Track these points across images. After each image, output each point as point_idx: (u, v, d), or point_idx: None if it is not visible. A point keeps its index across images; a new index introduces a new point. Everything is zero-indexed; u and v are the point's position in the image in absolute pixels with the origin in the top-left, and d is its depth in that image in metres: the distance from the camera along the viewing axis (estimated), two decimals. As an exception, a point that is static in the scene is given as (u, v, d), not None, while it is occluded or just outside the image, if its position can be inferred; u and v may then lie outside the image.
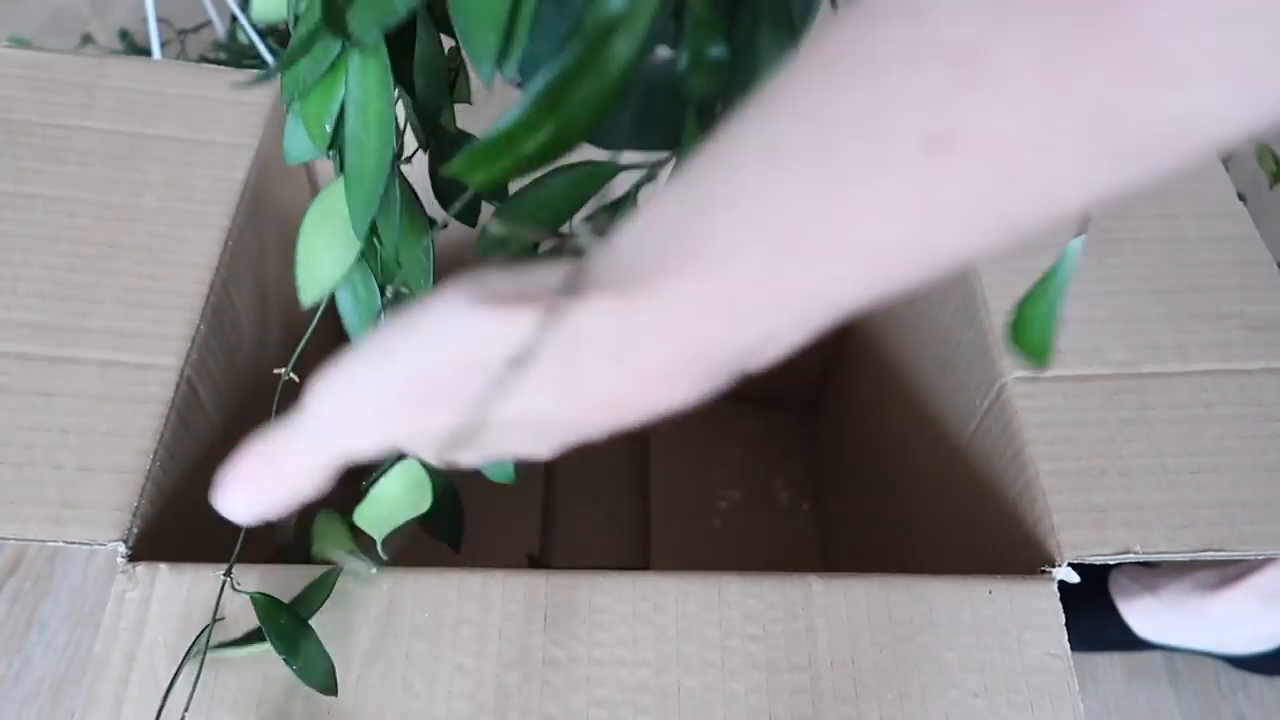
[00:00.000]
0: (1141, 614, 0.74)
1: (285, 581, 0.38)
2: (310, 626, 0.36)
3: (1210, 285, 0.48)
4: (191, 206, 0.48)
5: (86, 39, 1.08)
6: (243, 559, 0.39)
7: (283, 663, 0.36)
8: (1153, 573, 0.75)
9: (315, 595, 0.38)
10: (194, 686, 0.36)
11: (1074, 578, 0.40)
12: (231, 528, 0.39)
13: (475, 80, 0.32)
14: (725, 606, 0.38)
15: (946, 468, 0.52)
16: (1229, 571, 0.71)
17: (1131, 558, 0.40)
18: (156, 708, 0.35)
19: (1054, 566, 0.40)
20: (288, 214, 0.57)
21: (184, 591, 0.38)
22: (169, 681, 0.36)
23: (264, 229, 0.52)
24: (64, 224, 0.46)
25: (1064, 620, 0.38)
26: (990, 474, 0.45)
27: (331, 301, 0.39)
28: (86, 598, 0.78)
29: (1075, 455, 0.43)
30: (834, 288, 0.21)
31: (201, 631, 0.37)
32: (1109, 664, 0.78)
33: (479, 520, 0.52)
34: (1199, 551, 0.40)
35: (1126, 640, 0.75)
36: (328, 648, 0.37)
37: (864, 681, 0.37)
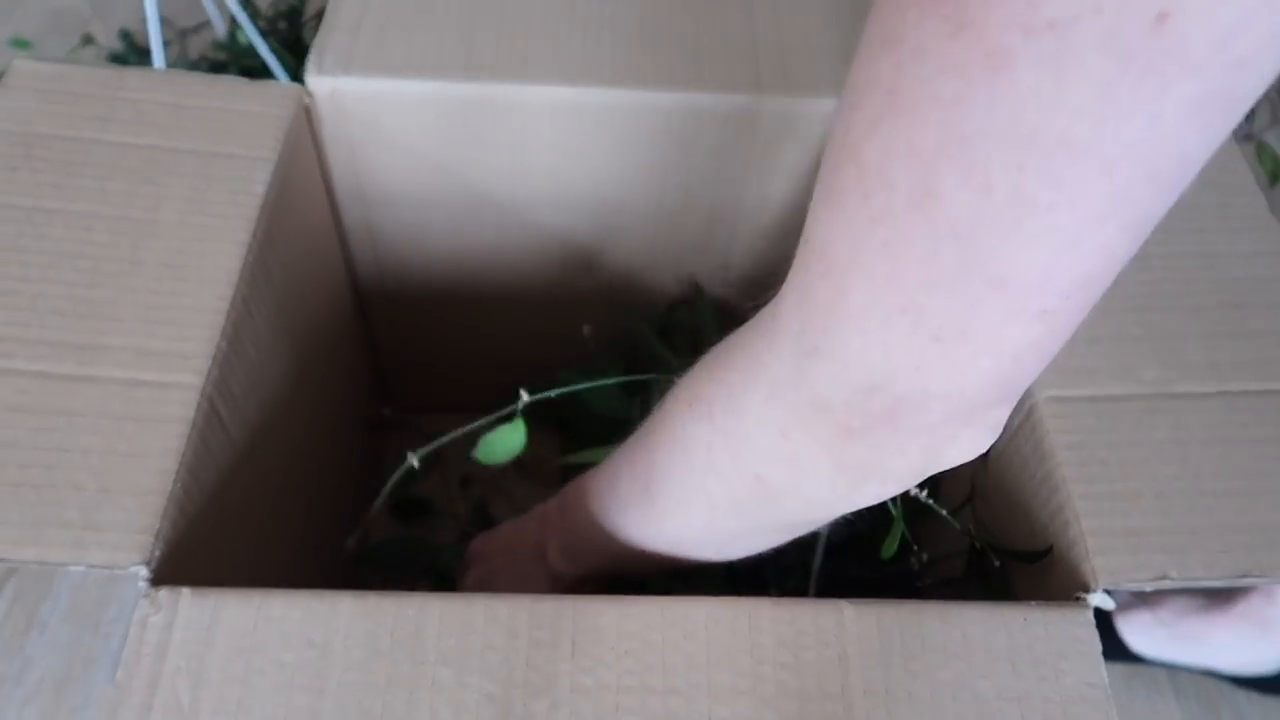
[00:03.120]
0: (1139, 631, 0.73)
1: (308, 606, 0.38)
2: None
3: (1244, 301, 0.48)
4: (211, 221, 0.47)
5: (87, 40, 1.07)
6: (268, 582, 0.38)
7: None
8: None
9: None
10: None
11: (1110, 604, 0.39)
12: (254, 550, 0.39)
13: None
14: (756, 633, 0.38)
15: (975, 489, 0.51)
16: (1222, 593, 0.71)
17: (1168, 584, 0.39)
18: (181, 737, 0.35)
19: (1089, 592, 0.39)
20: (308, 227, 0.57)
21: (207, 616, 0.37)
22: (193, 708, 0.35)
23: (284, 243, 0.51)
24: (83, 239, 0.46)
25: (1101, 649, 0.38)
26: (1021, 496, 0.45)
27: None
28: (87, 597, 0.78)
29: (1109, 478, 0.42)
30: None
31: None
32: (1108, 664, 0.77)
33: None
34: (1238, 577, 0.39)
35: (1123, 655, 0.74)
36: (353, 675, 0.36)
37: (898, 711, 0.36)
